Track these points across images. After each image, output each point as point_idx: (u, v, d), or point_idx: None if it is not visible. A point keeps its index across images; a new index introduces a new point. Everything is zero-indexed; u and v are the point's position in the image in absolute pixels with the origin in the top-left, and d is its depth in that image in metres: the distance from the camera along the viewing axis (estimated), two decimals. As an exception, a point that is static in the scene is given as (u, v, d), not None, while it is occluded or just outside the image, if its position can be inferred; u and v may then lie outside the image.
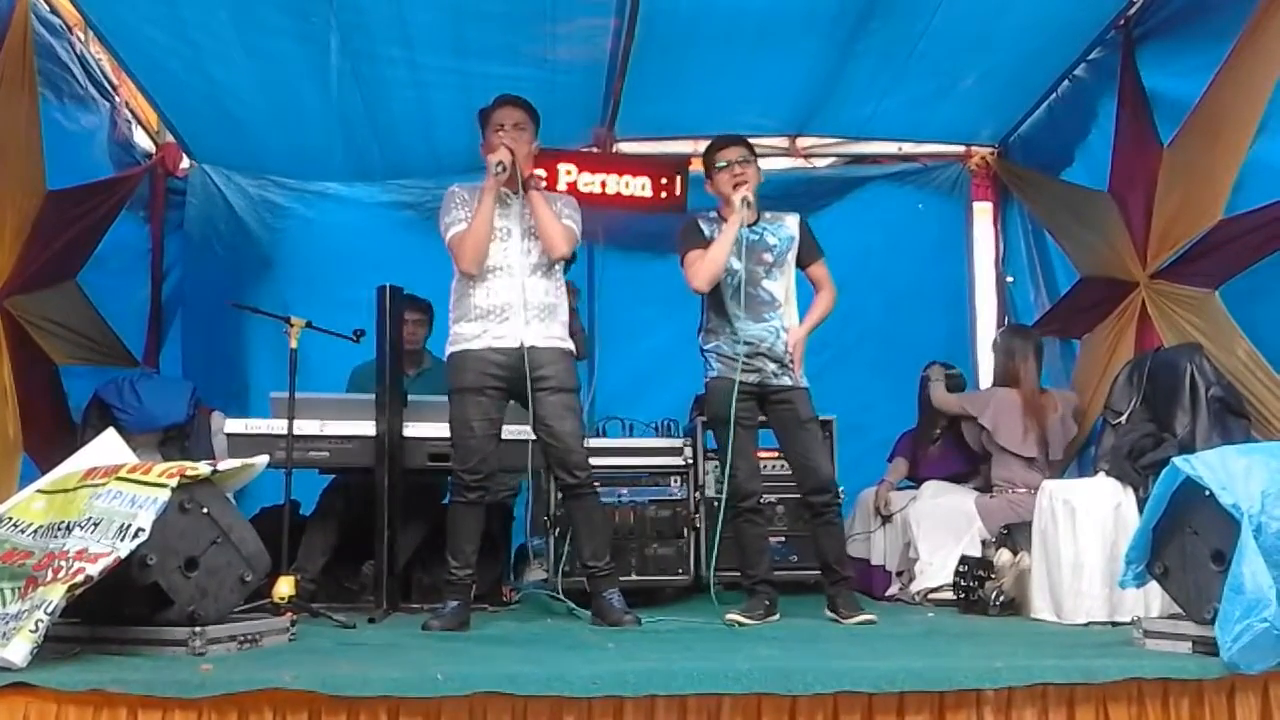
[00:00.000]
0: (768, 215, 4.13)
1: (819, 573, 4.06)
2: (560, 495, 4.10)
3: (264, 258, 6.13)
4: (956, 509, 4.78)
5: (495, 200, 3.78)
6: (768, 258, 4.05)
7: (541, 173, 4.94)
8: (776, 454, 4.47)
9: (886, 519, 5.09)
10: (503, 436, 3.85)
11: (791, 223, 4.14)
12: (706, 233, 4.07)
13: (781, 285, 4.07)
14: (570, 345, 3.91)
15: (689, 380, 5.19)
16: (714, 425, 4.11)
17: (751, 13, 4.72)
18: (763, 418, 4.07)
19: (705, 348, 4.09)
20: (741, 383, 3.95)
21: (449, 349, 3.84)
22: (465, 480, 3.74)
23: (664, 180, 5.89)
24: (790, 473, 4.19)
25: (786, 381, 3.98)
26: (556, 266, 3.90)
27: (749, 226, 4.05)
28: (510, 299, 3.76)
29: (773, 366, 3.97)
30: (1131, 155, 4.81)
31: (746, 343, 3.95)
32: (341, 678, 2.43)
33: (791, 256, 4.10)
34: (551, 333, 3.83)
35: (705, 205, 5.91)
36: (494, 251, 3.79)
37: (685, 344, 5.67)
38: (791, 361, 3.98)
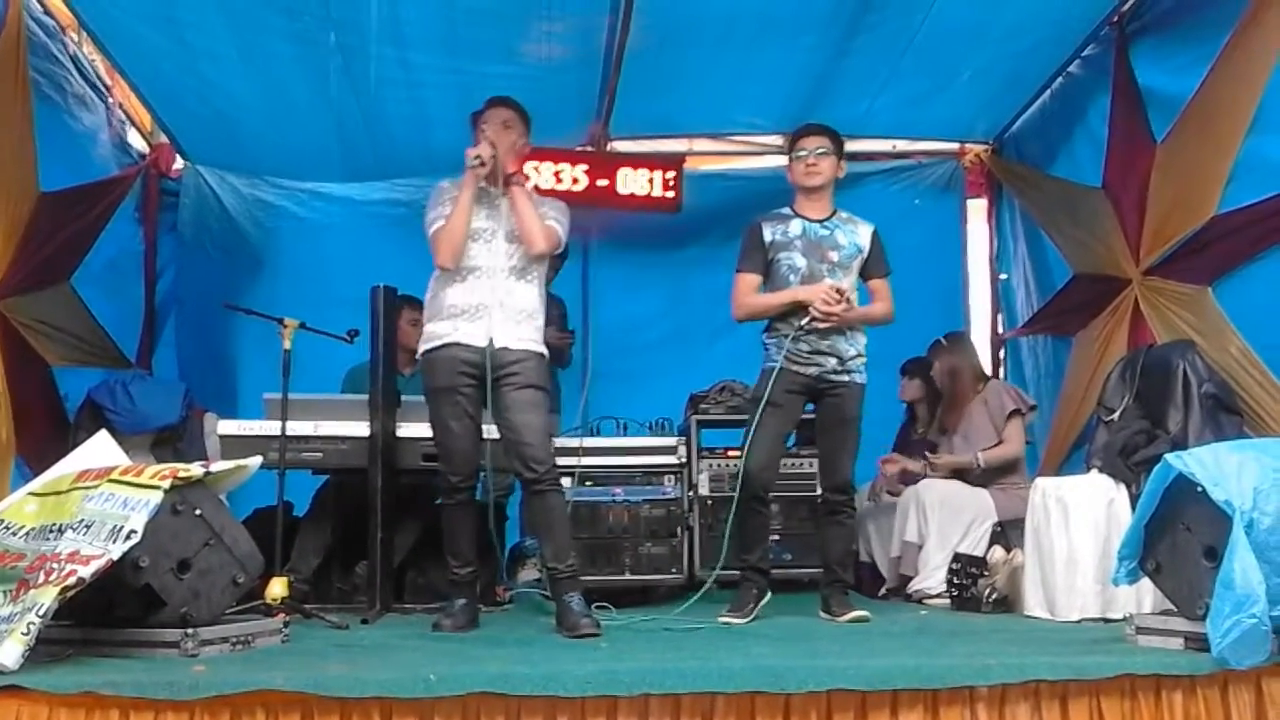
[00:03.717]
0: (843, 215, 4.05)
1: (816, 571, 4.03)
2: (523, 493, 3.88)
3: (257, 258, 6.12)
4: (971, 496, 4.63)
5: (474, 194, 3.69)
6: (833, 256, 3.96)
7: (531, 176, 4.82)
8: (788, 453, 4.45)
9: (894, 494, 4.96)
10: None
11: (865, 233, 4.04)
12: (767, 237, 3.99)
13: (844, 286, 3.96)
14: (544, 349, 3.79)
15: (683, 379, 5.20)
16: (753, 407, 4.04)
17: (746, 10, 4.71)
18: (809, 415, 4.04)
19: (768, 340, 4.02)
20: (797, 373, 3.92)
21: (421, 347, 3.78)
22: (451, 482, 3.70)
23: (659, 178, 5.89)
24: (791, 472, 4.17)
25: (843, 378, 3.93)
26: (537, 272, 3.80)
27: (820, 221, 4.00)
28: (485, 299, 3.67)
29: (833, 362, 3.92)
30: (1125, 151, 4.82)
31: (804, 339, 3.90)
32: (334, 679, 2.43)
33: (856, 265, 4.01)
34: (524, 334, 3.72)
35: (699, 203, 5.98)
36: (476, 251, 3.70)
37: (679, 342, 5.64)
38: (850, 359, 3.91)
